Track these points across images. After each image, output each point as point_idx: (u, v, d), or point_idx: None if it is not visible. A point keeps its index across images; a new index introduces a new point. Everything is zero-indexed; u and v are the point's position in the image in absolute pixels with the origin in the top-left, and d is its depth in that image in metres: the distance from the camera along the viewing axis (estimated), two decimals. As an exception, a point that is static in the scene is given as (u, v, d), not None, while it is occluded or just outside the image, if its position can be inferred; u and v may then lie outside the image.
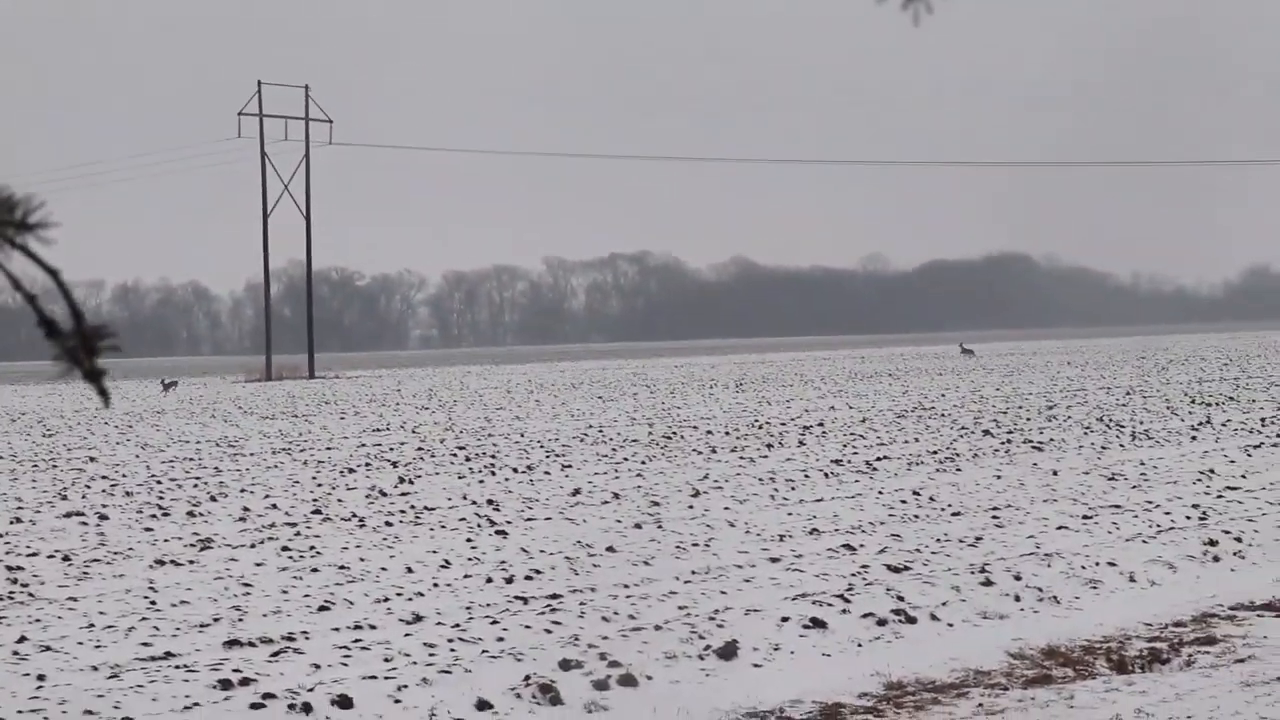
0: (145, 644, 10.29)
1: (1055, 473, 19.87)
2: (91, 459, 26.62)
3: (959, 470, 20.62)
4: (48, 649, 10.18)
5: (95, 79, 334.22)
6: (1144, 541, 13.85)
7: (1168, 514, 15.54)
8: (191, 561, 14.06)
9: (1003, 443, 24.54)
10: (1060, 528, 14.75)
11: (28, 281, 1.54)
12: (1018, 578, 12.07)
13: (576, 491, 19.09)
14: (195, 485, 21.31)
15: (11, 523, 17.40)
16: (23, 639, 10.50)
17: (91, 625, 10.96)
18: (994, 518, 15.60)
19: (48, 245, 1.49)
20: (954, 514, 16.01)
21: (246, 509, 18.12)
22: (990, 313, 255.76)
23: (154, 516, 17.65)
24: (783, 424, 30.63)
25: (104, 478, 22.79)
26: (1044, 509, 16.19)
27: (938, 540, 14.11)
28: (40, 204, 1.49)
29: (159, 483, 21.81)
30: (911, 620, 10.78)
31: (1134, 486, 18.11)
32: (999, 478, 19.45)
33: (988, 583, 11.86)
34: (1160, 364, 60.23)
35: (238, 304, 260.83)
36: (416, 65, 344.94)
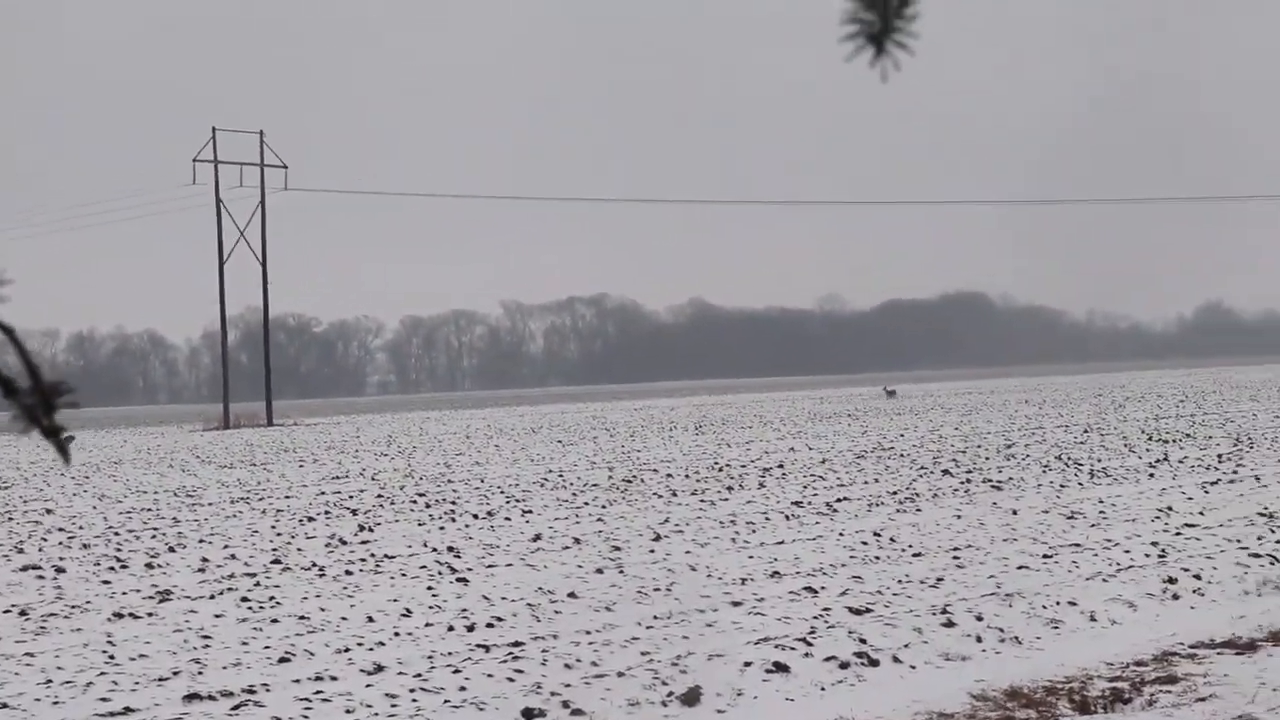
0: (104, 699, 10.20)
1: (1015, 512, 19.92)
2: (48, 511, 26.44)
3: (919, 510, 20.66)
4: (4, 706, 10.08)
5: (46, 125, 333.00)
6: (1104, 580, 13.88)
7: (1127, 552, 15.59)
8: (150, 614, 13.96)
9: (962, 482, 24.60)
10: (1021, 567, 14.78)
11: None
12: (979, 618, 12.08)
13: (537, 537, 19.05)
14: (153, 536, 21.18)
15: (-33, 577, 17.25)
16: (-20, 696, 10.39)
17: (49, 681, 10.86)
18: (955, 558, 15.62)
19: (1, 303, 1.48)
20: (915, 555, 16.02)
21: (205, 559, 18.02)
22: (948, 351, 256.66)
23: (112, 569, 17.53)
24: (743, 466, 30.65)
25: (61, 530, 22.63)
26: (1004, 548, 16.23)
27: (899, 581, 14.12)
28: None
29: (117, 534, 21.67)
30: (874, 663, 10.78)
31: (1093, 525, 18.17)
32: (959, 517, 19.49)
33: (949, 624, 11.87)
34: (1117, 401, 60.53)
35: (194, 352, 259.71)
36: (372, 110, 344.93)
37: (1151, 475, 24.77)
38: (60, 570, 17.51)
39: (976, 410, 57.65)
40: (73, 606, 14.58)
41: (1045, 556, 15.44)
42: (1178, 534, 16.99)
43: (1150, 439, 34.10)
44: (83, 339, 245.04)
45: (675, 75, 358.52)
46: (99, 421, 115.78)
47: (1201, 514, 18.95)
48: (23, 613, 14.26)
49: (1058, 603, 12.77)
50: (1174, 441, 32.88)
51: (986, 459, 29.79)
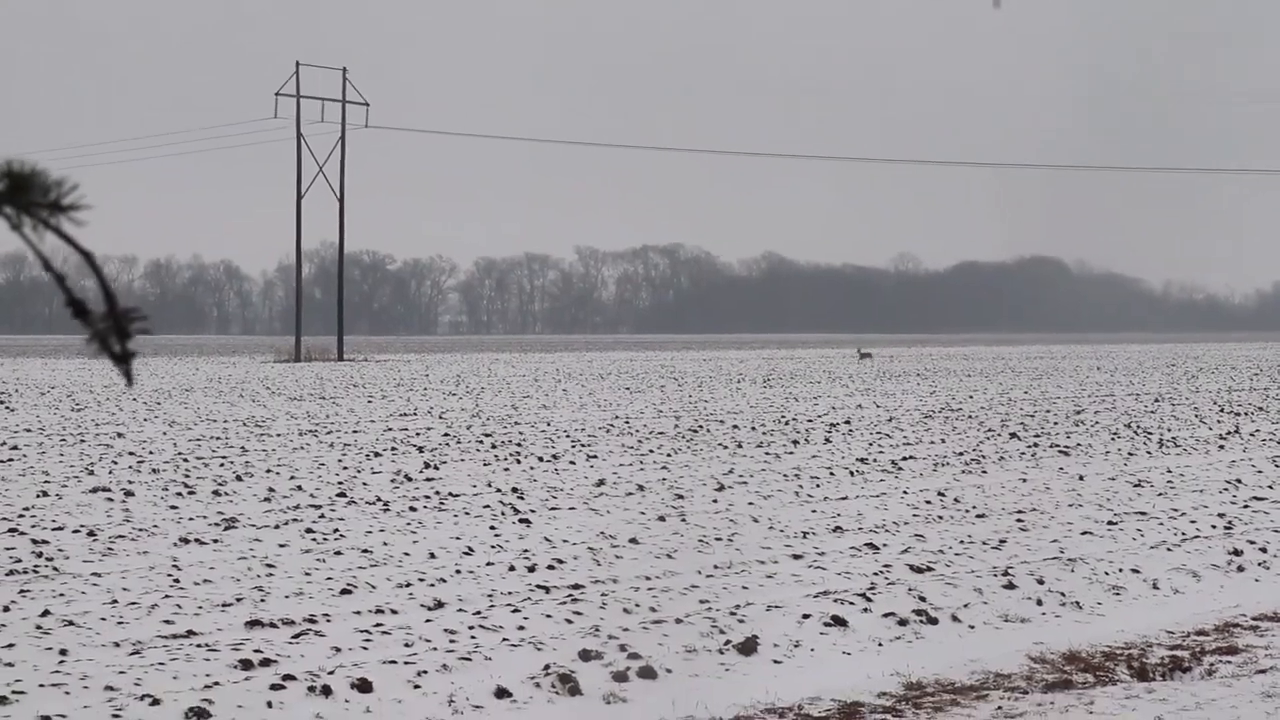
0: (168, 621, 10.33)
1: (1081, 478, 19.81)
2: (119, 435, 26.71)
3: (984, 472, 20.58)
4: (70, 624, 10.22)
5: (133, 56, 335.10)
6: (1168, 549, 13.80)
7: (1193, 522, 15.49)
8: (215, 540, 14.10)
9: (1029, 446, 24.48)
10: (1085, 533, 14.71)
11: (59, 261, 1.54)
12: (1040, 582, 12.04)
13: (601, 482, 19.10)
14: (221, 464, 21.37)
15: (38, 496, 17.47)
16: (46, 613, 10.55)
17: (115, 602, 11.00)
18: (1018, 521, 15.57)
19: (81, 226, 1.49)
20: (978, 516, 15.97)
21: (272, 490, 18.17)
22: (1021, 315, 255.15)
23: (179, 495, 17.71)
24: (809, 421, 30.60)
25: (131, 454, 22.87)
26: (1069, 514, 16.15)
27: (961, 542, 14.09)
28: (74, 186, 1.49)
29: (185, 461, 21.88)
30: (933, 621, 10.77)
31: (1160, 494, 18.06)
32: (1024, 481, 19.41)
33: (1010, 586, 11.84)
34: (1190, 372, 60.02)
35: (269, 284, 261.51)
36: (456, 50, 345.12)
37: (1221, 447, 24.57)
38: (129, 494, 17.70)
39: (1047, 375, 57.31)
40: (140, 530, 14.75)
41: (1110, 523, 15.36)
42: (1245, 506, 16.87)
43: (1222, 410, 33.81)
44: (159, 267, 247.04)
45: (756, 32, 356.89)
46: (172, 349, 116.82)
47: (1270, 487, 18.79)
48: (91, 534, 14.43)
49: (1120, 570, 12.71)
50: (1246, 414, 32.58)
51: (1055, 424, 29.62)
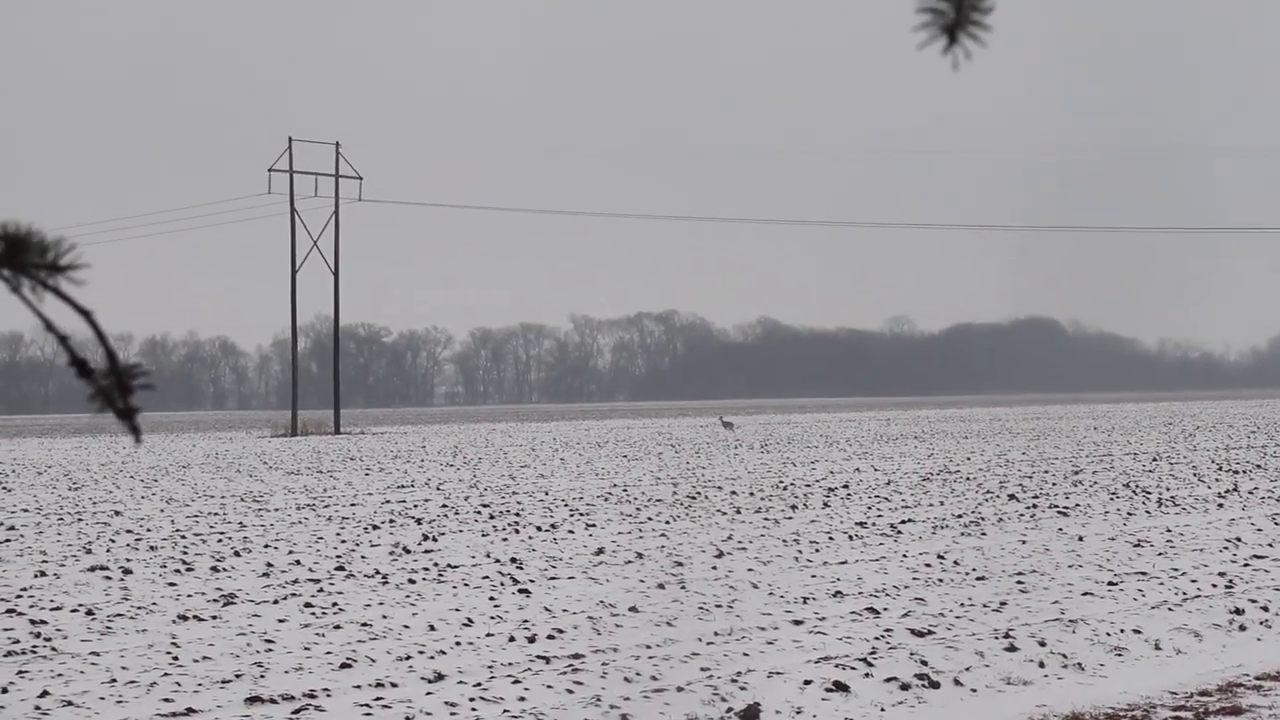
0: (167, 700, 10.29)
1: (1081, 538, 19.79)
2: (117, 513, 26.67)
3: (984, 534, 20.55)
4: (69, 704, 10.18)
5: (125, 135, 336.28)
6: (1170, 609, 13.77)
7: (1194, 582, 15.46)
8: (214, 617, 14.06)
9: (1028, 507, 24.46)
10: (1085, 594, 14.68)
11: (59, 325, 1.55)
12: (1042, 644, 12.01)
13: (600, 551, 19.06)
14: (219, 540, 21.33)
15: (36, 576, 17.43)
16: (45, 694, 10.51)
17: (114, 680, 10.96)
18: (1019, 583, 15.53)
19: (79, 286, 1.50)
20: (978, 578, 15.94)
21: (270, 565, 18.13)
22: (1016, 376, 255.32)
23: (178, 571, 17.67)
24: (807, 485, 30.57)
25: (129, 532, 22.83)
26: (1069, 574, 16.12)
27: (962, 605, 14.05)
28: (71, 246, 1.51)
29: (183, 537, 21.84)
30: (935, 685, 10.73)
31: (1160, 553, 18.03)
32: (1024, 542, 19.38)
33: (1012, 648, 11.81)
34: (1187, 430, 60.02)
35: (265, 359, 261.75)
36: (447, 121, 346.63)
37: (1220, 505, 24.54)
38: (127, 571, 17.66)
39: (1044, 435, 57.30)
40: (139, 608, 14.70)
41: (1110, 584, 15.33)
42: (1246, 565, 16.83)
43: (1220, 469, 33.80)
44: (155, 344, 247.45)
45: (746, 95, 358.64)
46: (168, 426, 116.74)
47: (1270, 545, 18.77)
48: (89, 612, 14.39)
49: (1122, 630, 12.68)
50: (1244, 472, 32.57)
51: (1053, 485, 29.60)
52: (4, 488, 35.34)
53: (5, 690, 10.64)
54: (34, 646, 12.53)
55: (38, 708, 10.08)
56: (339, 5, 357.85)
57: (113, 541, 21.36)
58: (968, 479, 31.77)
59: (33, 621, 13.88)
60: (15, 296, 1.50)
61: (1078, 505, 24.70)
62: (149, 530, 23.05)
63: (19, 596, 15.65)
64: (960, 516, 23.05)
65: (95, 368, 1.51)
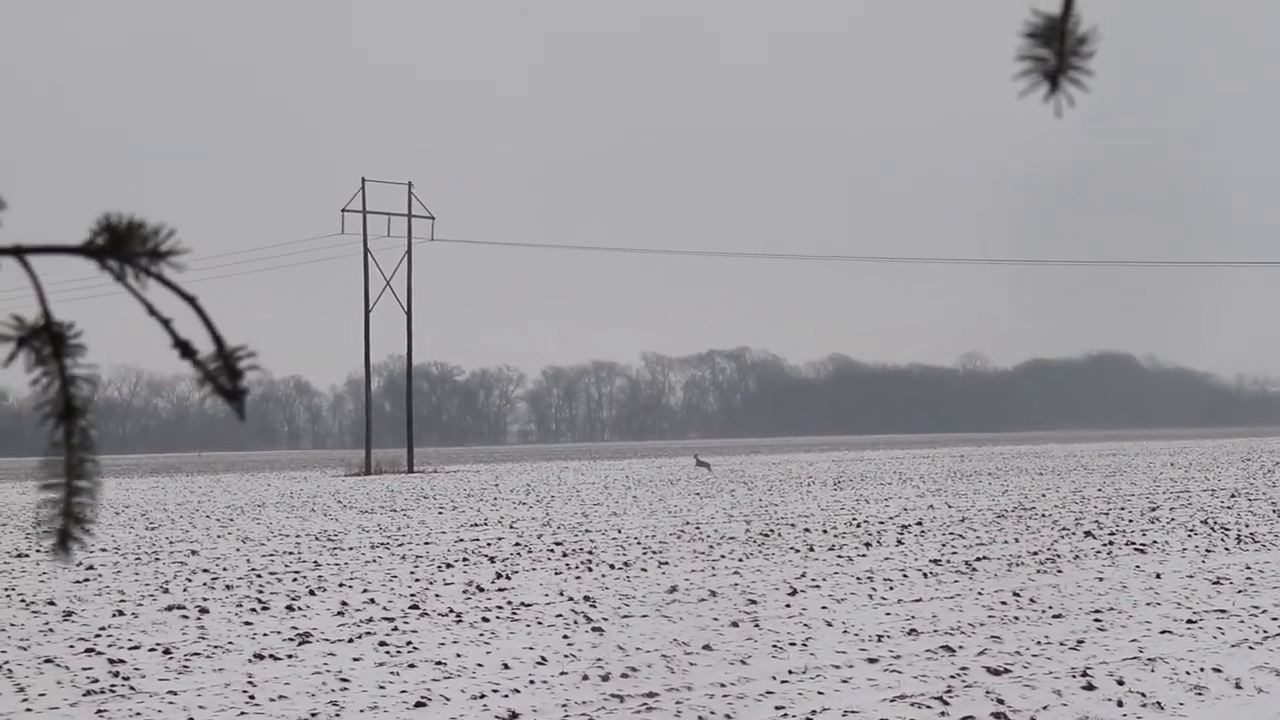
0: (243, 738, 10.33)
1: (1159, 575, 19.60)
2: (193, 552, 26.86)
3: (1060, 572, 20.39)
4: (148, 741, 10.24)
5: (199, 175, 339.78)
6: (1250, 647, 13.61)
7: (1275, 619, 15.28)
8: (290, 656, 14.13)
9: (1105, 544, 24.25)
10: (1164, 632, 14.54)
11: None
12: (1120, 682, 11.89)
13: (673, 589, 19.04)
14: (294, 579, 21.44)
15: (114, 615, 17.57)
16: (123, 731, 10.58)
17: (191, 719, 11.02)
18: (1096, 620, 15.40)
19: (180, 272, 1.52)
20: (1055, 616, 15.82)
21: (345, 603, 18.21)
22: (1092, 412, 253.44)
23: (254, 610, 17.77)
24: (881, 522, 30.44)
25: (205, 571, 22.99)
26: (1147, 612, 15.97)
27: (1038, 642, 13.94)
28: (171, 233, 1.53)
29: (259, 576, 21.97)
30: (1012, 724, 10.63)
31: (1240, 591, 17.83)
32: (1101, 580, 19.21)
33: (1090, 687, 11.70)
34: (1266, 466, 59.37)
35: (338, 398, 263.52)
36: (520, 161, 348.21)
37: (1301, 541, 24.24)
38: (204, 610, 17.78)
39: (1120, 471, 56.82)
40: (215, 646, 14.80)
41: (1189, 622, 15.18)
42: (1327, 602, 16.62)
43: (1300, 504, 33.38)
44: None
45: (817, 132, 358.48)
46: (244, 465, 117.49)
47: (1352, 582, 18.52)
48: (167, 651, 14.50)
49: (1202, 669, 12.54)
50: (1324, 507, 32.17)
51: (1130, 521, 29.34)
52: (96, 513, 35.62)
53: (84, 729, 10.73)
54: (112, 685, 12.63)
55: (116, 746, 10.15)
56: (413, 49, 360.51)
57: (189, 581, 21.51)
58: (1043, 515, 31.54)
59: (111, 660, 13.99)
60: (120, 285, 1.51)
61: (1155, 542, 24.47)
62: (225, 569, 23.20)
63: (98, 635, 15.78)
64: (1036, 553, 22.88)
65: (196, 349, 1.53)
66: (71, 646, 15.01)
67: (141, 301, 1.51)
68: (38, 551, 27.99)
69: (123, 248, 1.51)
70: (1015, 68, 1.52)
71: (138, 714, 11.31)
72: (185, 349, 1.52)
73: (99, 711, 11.45)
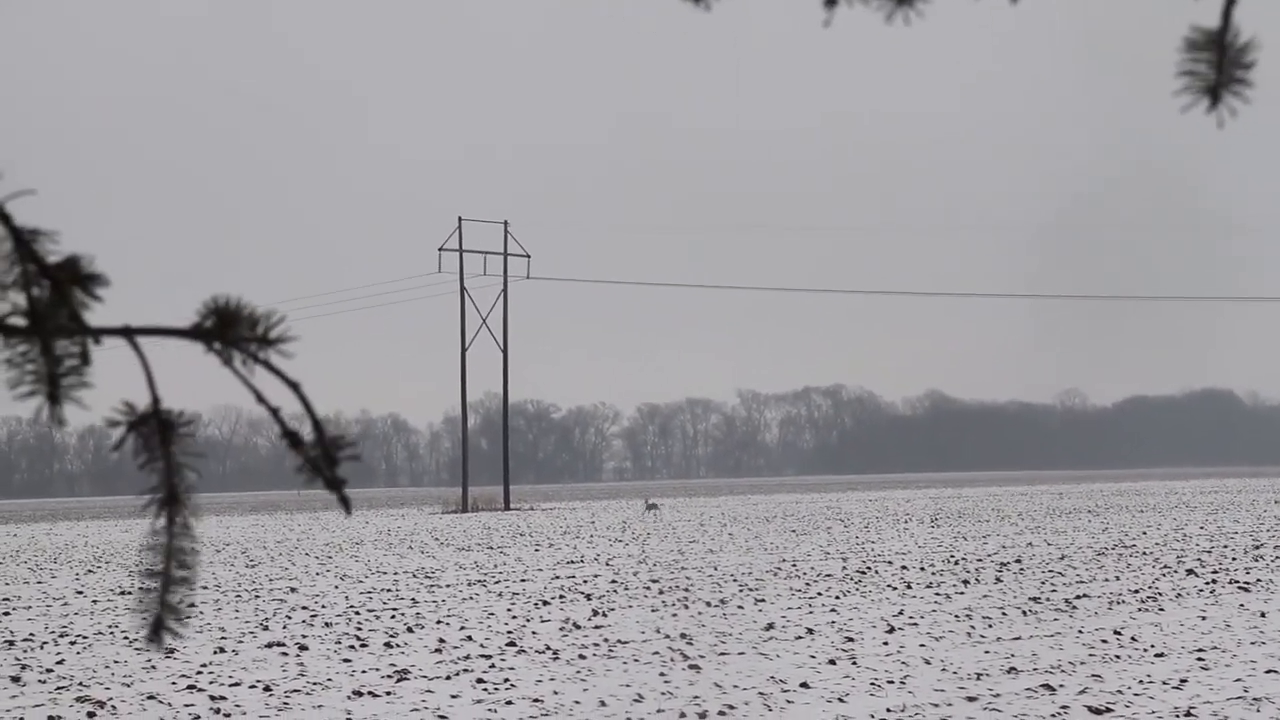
0: (343, 774, 10.39)
1: (1263, 614, 19.32)
2: (292, 590, 27.07)
3: (1161, 610, 20.15)
4: (249, 777, 10.33)
5: (297, 217, 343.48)
6: (1358, 686, 13.38)
7: (1382, 658, 15.01)
8: (388, 693, 14.20)
9: (1207, 583, 23.93)
10: (1269, 671, 14.33)
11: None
12: (1225, 722, 11.73)
13: (770, 626, 18.97)
14: (392, 616, 21.56)
15: (215, 653, 17.74)
16: (225, 767, 10.67)
17: (291, 754, 11.10)
18: (1199, 660, 15.20)
19: (288, 359, 1.54)
20: (1157, 655, 15.63)
21: (442, 640, 18.28)
22: (1193, 449, 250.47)
23: (352, 647, 17.88)
24: (979, 560, 30.20)
25: (304, 608, 23.16)
26: (1251, 651, 15.74)
27: (1140, 682, 13.78)
28: (280, 319, 1.55)
29: (357, 613, 22.10)
30: (1114, 764, 10.52)
31: (1346, 629, 17.53)
32: (1204, 618, 18.96)
33: (1193, 727, 11.54)
34: (1372, 502, 58.40)
35: (435, 436, 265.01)
36: (614, 199, 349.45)
37: None
38: (303, 648, 17.91)
39: (1223, 509, 56.08)
40: (314, 684, 14.90)
41: (1295, 660, 14.94)
42: None
43: None
44: (329, 422, 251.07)
45: (910, 168, 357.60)
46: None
47: None
48: (267, 689, 14.61)
49: (1308, 708, 12.34)
50: None
51: (1233, 559, 28.95)
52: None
53: (186, 764, 10.83)
54: (214, 721, 12.74)
55: (218, 781, 10.24)
56: (509, 89, 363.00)
57: (289, 618, 21.68)
58: (1144, 554, 31.18)
59: (212, 698, 14.12)
60: (227, 369, 1.54)
61: (1259, 581, 24.12)
62: (324, 606, 23.36)
63: (199, 673, 15.94)
64: (1137, 591, 22.62)
65: (304, 439, 1.56)
66: (174, 683, 15.17)
67: (249, 388, 1.54)
68: (141, 589, 28.29)
69: (230, 331, 1.53)
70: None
71: (239, 750, 11.40)
72: (294, 439, 1.55)
73: (201, 747, 11.55)
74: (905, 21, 1.69)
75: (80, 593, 28.05)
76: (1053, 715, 12.08)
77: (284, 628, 20.33)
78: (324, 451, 1.55)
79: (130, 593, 27.51)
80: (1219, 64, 1.53)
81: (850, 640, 17.37)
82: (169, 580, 1.56)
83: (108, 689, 14.87)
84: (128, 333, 1.52)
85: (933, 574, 26.87)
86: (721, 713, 12.53)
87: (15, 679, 15.83)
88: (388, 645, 17.98)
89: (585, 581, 27.11)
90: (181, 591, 1.57)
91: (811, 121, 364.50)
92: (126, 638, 19.50)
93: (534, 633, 18.96)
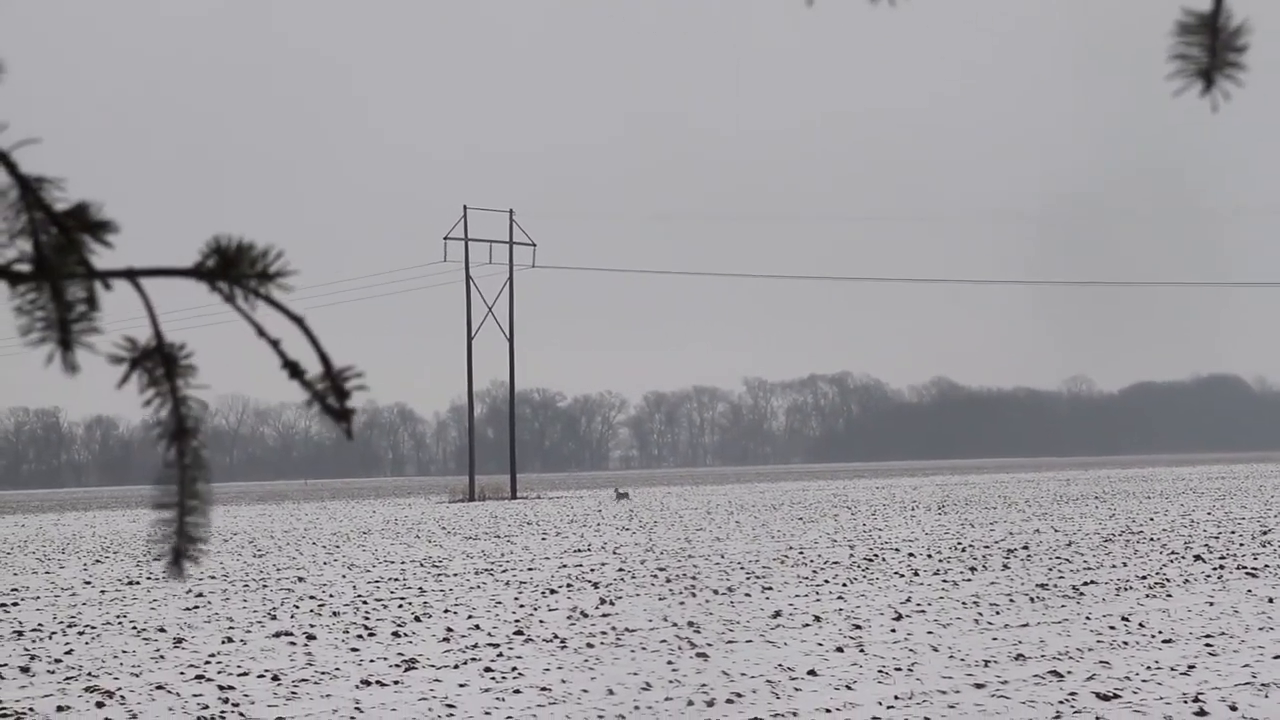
0: (351, 763, 10.40)
1: (1271, 600, 19.31)
2: (300, 579, 27.10)
3: (1169, 596, 20.14)
4: (257, 767, 10.34)
5: (300, 207, 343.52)
6: (1366, 672, 13.37)
7: (1391, 643, 15.00)
8: (396, 682, 14.21)
9: (1215, 568, 23.93)
10: (1277, 657, 14.32)
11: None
12: (1233, 708, 11.72)
13: (777, 614, 18.98)
14: (400, 605, 21.58)
15: (223, 642, 17.76)
16: (233, 756, 10.68)
17: (299, 744, 11.11)
18: (1207, 645, 15.20)
19: (289, 293, 1.54)
20: (1165, 641, 15.63)
21: (450, 629, 18.30)
22: (1199, 435, 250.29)
23: (360, 637, 17.90)
24: (986, 547, 30.20)
25: (312, 598, 23.18)
26: (1260, 637, 15.74)
27: (1148, 668, 13.78)
28: (279, 254, 1.55)
29: (365, 603, 22.12)
30: (1122, 750, 10.51)
31: (1354, 614, 17.52)
32: (1211, 604, 18.95)
33: (1201, 713, 11.54)
34: (1380, 487, 58.36)
35: (441, 425, 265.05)
36: (619, 187, 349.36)
37: None
38: (311, 637, 17.92)
39: (1231, 495, 56.05)
40: (323, 673, 14.91)
41: (1303, 646, 14.93)
42: None
43: None
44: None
45: (914, 158, 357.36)
46: (349, 492, 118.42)
47: None
48: (275, 678, 14.63)
49: (1316, 694, 12.33)
50: None
51: (1241, 545, 28.93)
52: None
53: (195, 754, 10.85)
54: (223, 712, 12.76)
55: (226, 771, 10.25)
56: (511, 77, 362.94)
57: (296, 607, 21.70)
58: (1151, 540, 31.17)
59: (221, 687, 14.14)
60: (229, 306, 1.54)
61: (1267, 566, 24.11)
62: (332, 596, 23.39)
63: (207, 662, 15.96)
64: (1144, 578, 22.62)
65: (304, 370, 1.55)
66: (182, 673, 15.19)
67: (251, 323, 1.53)
68: (148, 579, 28.35)
69: (232, 270, 1.53)
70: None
71: (247, 739, 11.41)
72: (294, 369, 1.54)
73: (209, 737, 11.56)
74: (890, 1, 1.68)
75: (88, 583, 28.09)
76: (1060, 702, 12.08)
77: (292, 617, 20.35)
78: (332, 383, 1.55)
79: (139, 583, 27.54)
80: (1212, 47, 1.52)
81: (858, 627, 17.38)
82: (185, 510, 1.57)
83: (116, 679, 14.89)
84: (131, 274, 1.52)
85: (940, 561, 26.88)
86: (729, 700, 12.53)
87: (24, 669, 15.86)
88: (395, 634, 18.00)
89: (593, 570, 27.12)
90: (198, 520, 1.57)
91: (812, 116, 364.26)
92: (135, 628, 19.52)
93: (541, 621, 18.97)
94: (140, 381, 1.53)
